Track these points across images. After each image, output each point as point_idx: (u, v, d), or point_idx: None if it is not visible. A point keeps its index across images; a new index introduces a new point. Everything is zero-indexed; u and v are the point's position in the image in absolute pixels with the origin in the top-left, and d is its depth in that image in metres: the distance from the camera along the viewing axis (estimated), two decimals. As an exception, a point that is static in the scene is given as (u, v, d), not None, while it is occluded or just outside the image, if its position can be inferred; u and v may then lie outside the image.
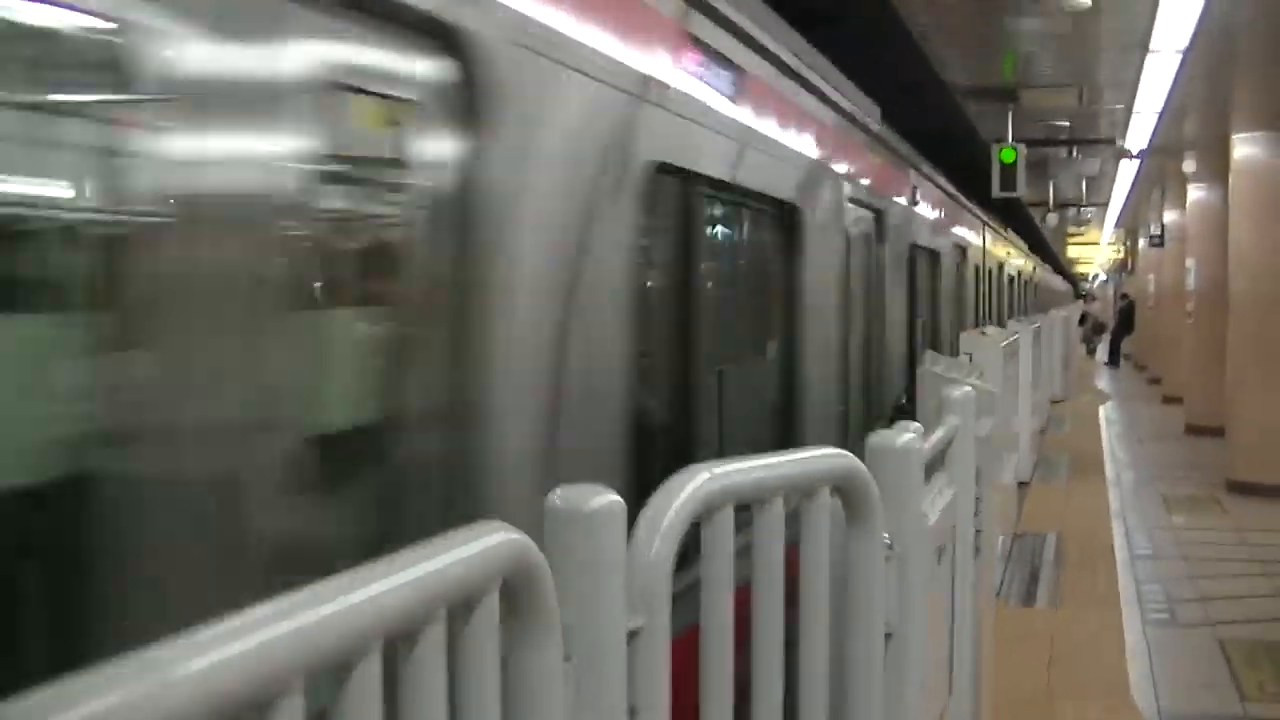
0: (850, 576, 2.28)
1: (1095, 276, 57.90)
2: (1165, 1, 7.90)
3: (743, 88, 4.25)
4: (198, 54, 1.74)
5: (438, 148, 2.37)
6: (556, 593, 1.43)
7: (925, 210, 9.28)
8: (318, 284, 2.21)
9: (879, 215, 7.17)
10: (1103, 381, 26.35)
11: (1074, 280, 57.25)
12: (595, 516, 1.54)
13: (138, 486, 1.64)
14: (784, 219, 5.02)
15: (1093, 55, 10.11)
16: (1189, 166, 15.98)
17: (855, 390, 6.49)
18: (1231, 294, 12.16)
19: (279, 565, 1.83)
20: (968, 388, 3.50)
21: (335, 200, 2.23)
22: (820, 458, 2.16)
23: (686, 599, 1.80)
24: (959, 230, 11.74)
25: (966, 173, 13.35)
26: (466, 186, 2.40)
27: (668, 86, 3.50)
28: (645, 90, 3.32)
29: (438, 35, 2.29)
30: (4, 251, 1.71)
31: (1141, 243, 26.62)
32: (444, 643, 1.24)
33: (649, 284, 3.72)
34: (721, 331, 4.40)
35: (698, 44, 3.76)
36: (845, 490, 2.20)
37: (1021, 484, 11.12)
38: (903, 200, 8.13)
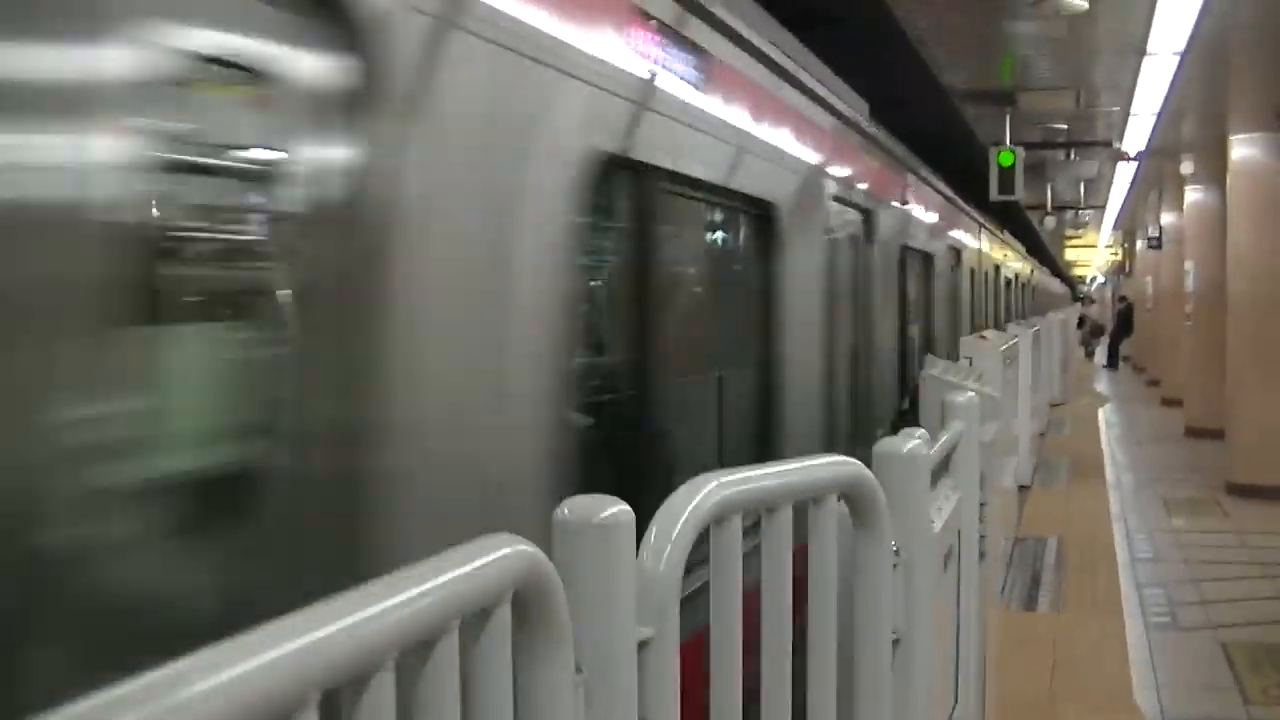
0: (858, 583, 2.28)
1: (1093, 279, 57.98)
2: (1162, 4, 7.90)
3: (710, 74, 3.96)
4: None
5: (307, 131, 2.03)
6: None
7: (918, 211, 9.12)
8: (155, 292, 1.81)
9: (867, 216, 6.92)
10: (1101, 384, 26.37)
11: (1072, 283, 57.31)
12: (605, 528, 1.53)
13: None
14: (759, 218, 4.72)
15: (1090, 58, 10.12)
16: (1186, 168, 15.99)
17: (840, 400, 6.10)
18: (1230, 295, 12.17)
19: None
20: (971, 393, 3.50)
21: (177, 194, 1.88)
22: (828, 465, 2.16)
23: (688, 603, 1.79)
24: (953, 232, 11.66)
25: (964, 176, 13.36)
26: (342, 178, 2.06)
27: (618, 69, 3.18)
28: (589, 72, 2.98)
29: None
30: None
31: (1139, 245, 26.64)
32: (457, 656, 1.23)
33: (593, 289, 3.45)
34: (682, 340, 4.10)
35: (654, 23, 3.49)
36: (853, 497, 2.20)
37: (1022, 488, 11.12)
38: (893, 200, 7.92)
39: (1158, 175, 18.50)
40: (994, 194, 12.75)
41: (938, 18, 8.61)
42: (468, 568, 1.23)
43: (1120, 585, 8.07)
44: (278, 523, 1.95)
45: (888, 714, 2.34)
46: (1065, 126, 13.87)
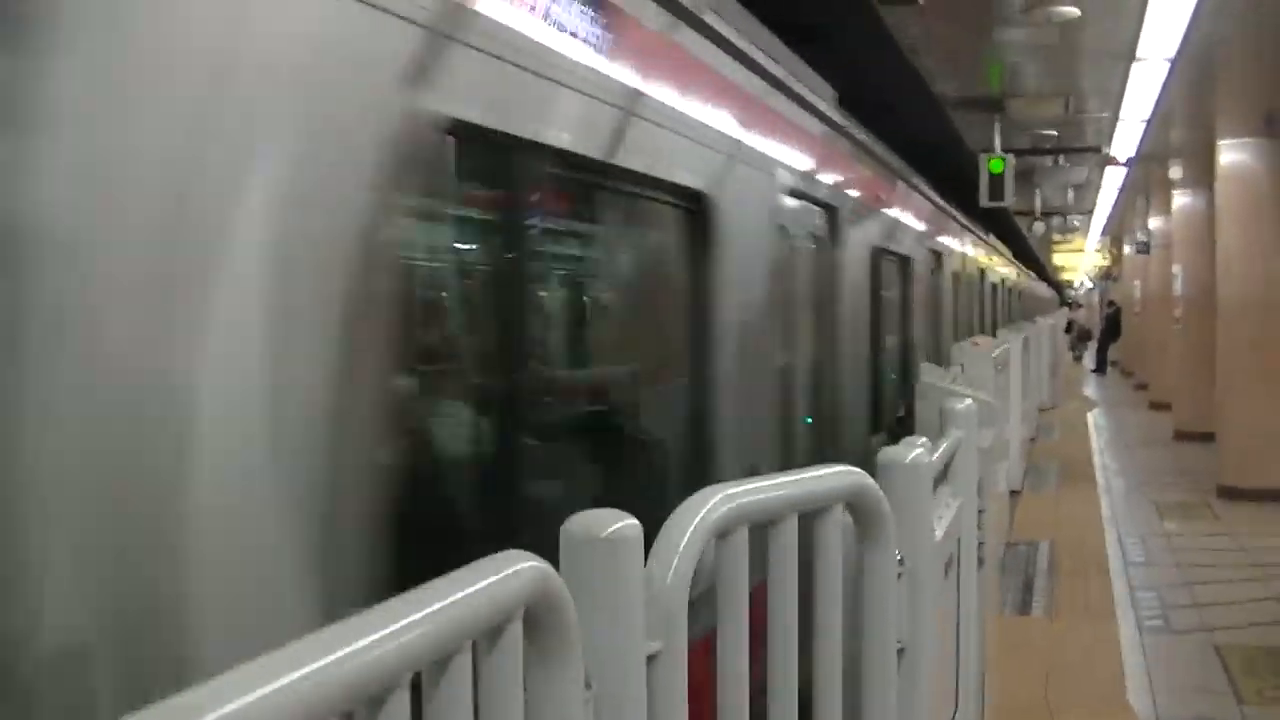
0: (863, 592, 2.28)
1: (1081, 284, 58.19)
2: (1151, 12, 7.94)
3: (621, 36, 3.21)
4: None
5: None
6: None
7: (893, 210, 8.50)
8: None
9: (831, 212, 6.12)
10: (1090, 388, 26.46)
11: (1060, 288, 57.51)
12: (613, 542, 1.53)
13: None
14: (687, 209, 3.93)
15: (1079, 65, 10.17)
16: (1174, 173, 16.08)
17: (796, 418, 5.28)
18: (1220, 299, 12.23)
19: None
20: (969, 401, 3.50)
21: None
22: (832, 475, 2.15)
23: (691, 607, 1.78)
24: (935, 234, 11.16)
25: (954, 183, 13.39)
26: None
27: (478, 15, 2.46)
28: (418, 10, 2.22)
29: None
30: None
31: (1127, 249, 26.76)
32: (470, 673, 1.23)
33: (430, 288, 2.79)
34: (563, 351, 3.52)
35: None
36: (857, 507, 2.20)
37: (1012, 492, 11.14)
38: (864, 197, 7.16)
39: (1145, 180, 18.59)
40: (984, 200, 12.80)
41: (928, 27, 8.63)
42: (481, 584, 1.22)
43: (1113, 589, 8.09)
44: None
45: (892, 723, 2.33)
46: (1054, 133, 13.93)
